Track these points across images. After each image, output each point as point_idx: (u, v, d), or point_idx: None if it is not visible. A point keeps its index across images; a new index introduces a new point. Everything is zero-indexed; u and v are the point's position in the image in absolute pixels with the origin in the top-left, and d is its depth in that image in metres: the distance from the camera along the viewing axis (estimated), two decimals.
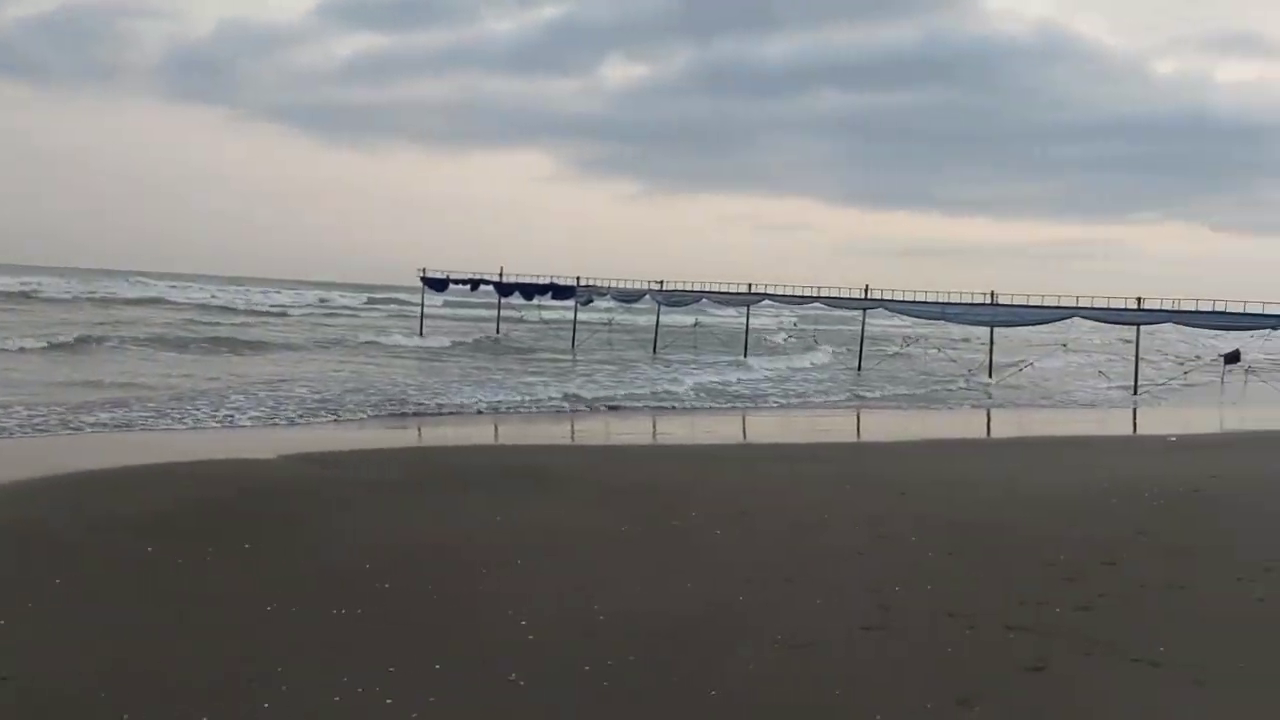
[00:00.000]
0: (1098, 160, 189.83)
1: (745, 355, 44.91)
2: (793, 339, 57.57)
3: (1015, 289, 43.11)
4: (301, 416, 20.47)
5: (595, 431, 22.59)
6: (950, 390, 34.92)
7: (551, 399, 25.48)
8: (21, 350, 32.26)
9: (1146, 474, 15.71)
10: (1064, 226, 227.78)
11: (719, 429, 23.39)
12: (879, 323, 54.80)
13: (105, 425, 17.81)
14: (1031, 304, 40.57)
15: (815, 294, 46.01)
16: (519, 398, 25.57)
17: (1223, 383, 37.04)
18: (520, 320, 59.05)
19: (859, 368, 42.36)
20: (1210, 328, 40.18)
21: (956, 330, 47.07)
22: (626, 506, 12.14)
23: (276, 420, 19.83)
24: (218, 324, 51.79)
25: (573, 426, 22.52)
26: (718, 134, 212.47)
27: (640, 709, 6.21)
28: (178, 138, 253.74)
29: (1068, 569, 9.58)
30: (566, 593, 8.44)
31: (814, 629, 7.69)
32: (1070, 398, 34.44)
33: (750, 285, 47.78)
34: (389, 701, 6.06)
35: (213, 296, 73.89)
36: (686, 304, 50.93)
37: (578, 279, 52.91)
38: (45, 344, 33.76)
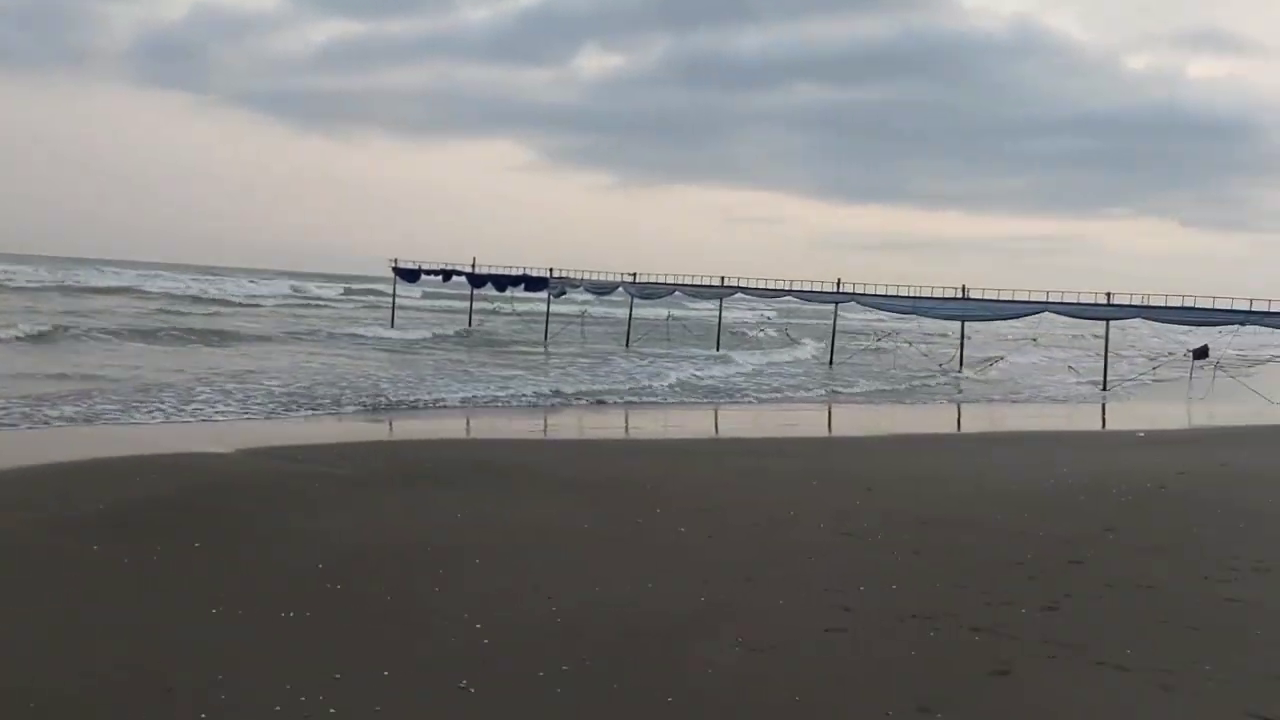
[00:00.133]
0: (1070, 155, 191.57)
1: (718, 348, 44.81)
2: (771, 332, 57.55)
3: (987, 283, 43.10)
4: (269, 410, 20.17)
5: (569, 426, 22.37)
6: (925, 385, 34.86)
7: (524, 395, 25.22)
8: None
9: (1115, 470, 15.67)
10: (1036, 221, 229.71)
11: (693, 423, 23.22)
12: (856, 317, 54.83)
13: (68, 419, 17.41)
14: (1003, 299, 40.57)
15: (788, 287, 45.96)
16: (493, 392, 25.30)
17: (1191, 378, 37.16)
18: (494, 312, 58.73)
19: (830, 362, 42.31)
20: (1180, 323, 40.43)
21: (930, 324, 47.10)
22: (594, 503, 11.97)
23: (243, 414, 19.50)
24: (189, 314, 51.22)
25: (546, 421, 22.28)
26: (693, 126, 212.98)
27: (590, 718, 6.02)
28: (149, 124, 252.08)
29: (1034, 568, 9.49)
30: (525, 593, 8.24)
31: (775, 631, 7.54)
32: (1040, 393, 34.47)
33: (723, 278, 47.70)
34: (332, 711, 5.83)
35: (185, 286, 72.98)
36: (660, 296, 50.78)
37: (550, 270, 52.67)
38: (13, 336, 33.15)
